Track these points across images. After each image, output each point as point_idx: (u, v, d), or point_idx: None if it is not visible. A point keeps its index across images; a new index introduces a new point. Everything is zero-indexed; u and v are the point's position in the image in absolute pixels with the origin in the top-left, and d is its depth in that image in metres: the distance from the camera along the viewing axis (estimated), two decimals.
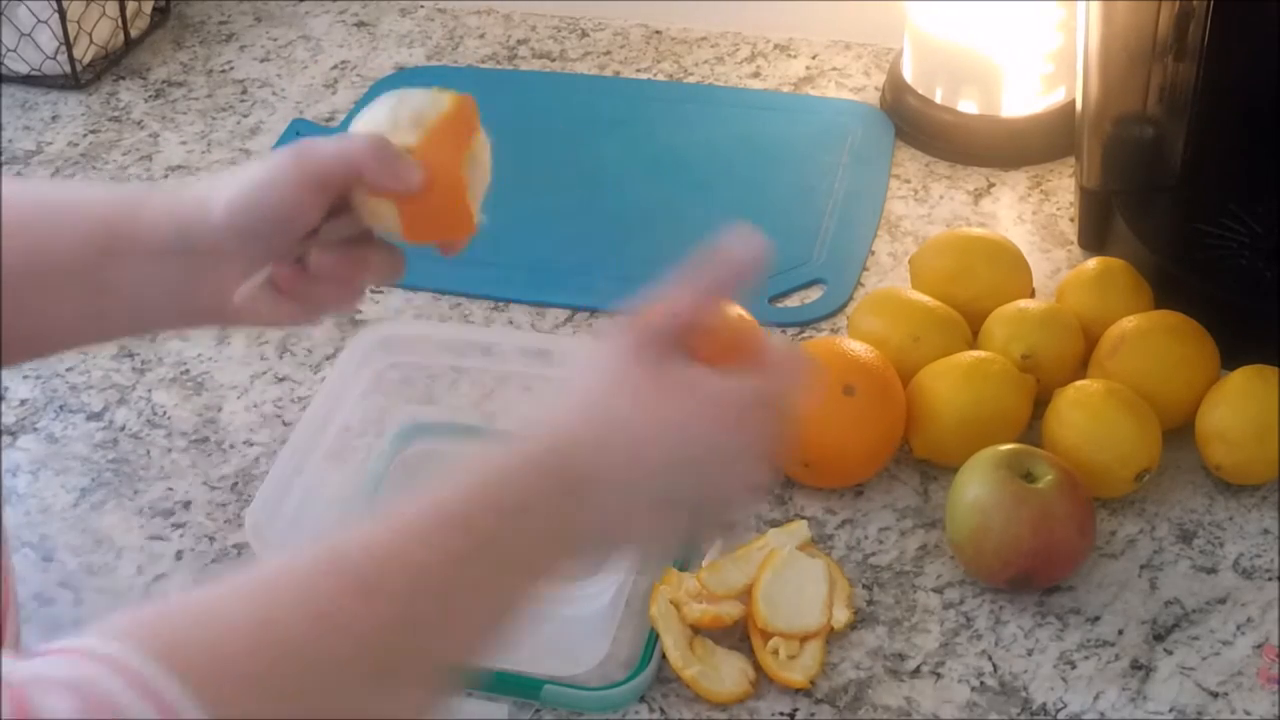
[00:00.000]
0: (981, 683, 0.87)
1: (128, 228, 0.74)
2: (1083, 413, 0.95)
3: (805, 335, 1.10)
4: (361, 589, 0.56)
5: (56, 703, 0.47)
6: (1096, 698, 0.86)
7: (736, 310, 1.01)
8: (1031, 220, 1.20)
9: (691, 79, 1.38)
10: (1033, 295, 1.08)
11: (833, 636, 0.88)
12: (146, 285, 0.75)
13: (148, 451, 1.03)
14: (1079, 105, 1.10)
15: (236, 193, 0.74)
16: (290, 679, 0.52)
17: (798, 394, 0.71)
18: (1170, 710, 0.85)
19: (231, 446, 1.03)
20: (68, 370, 1.10)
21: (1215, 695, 0.86)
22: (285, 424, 1.04)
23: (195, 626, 0.52)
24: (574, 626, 0.86)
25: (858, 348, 0.98)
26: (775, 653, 0.86)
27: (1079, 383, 0.98)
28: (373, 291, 1.14)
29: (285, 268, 0.75)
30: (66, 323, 0.76)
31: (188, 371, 1.09)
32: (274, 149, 0.79)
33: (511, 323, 1.13)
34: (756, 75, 1.38)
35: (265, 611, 0.53)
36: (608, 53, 1.42)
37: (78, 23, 1.36)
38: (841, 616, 0.89)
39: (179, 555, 0.96)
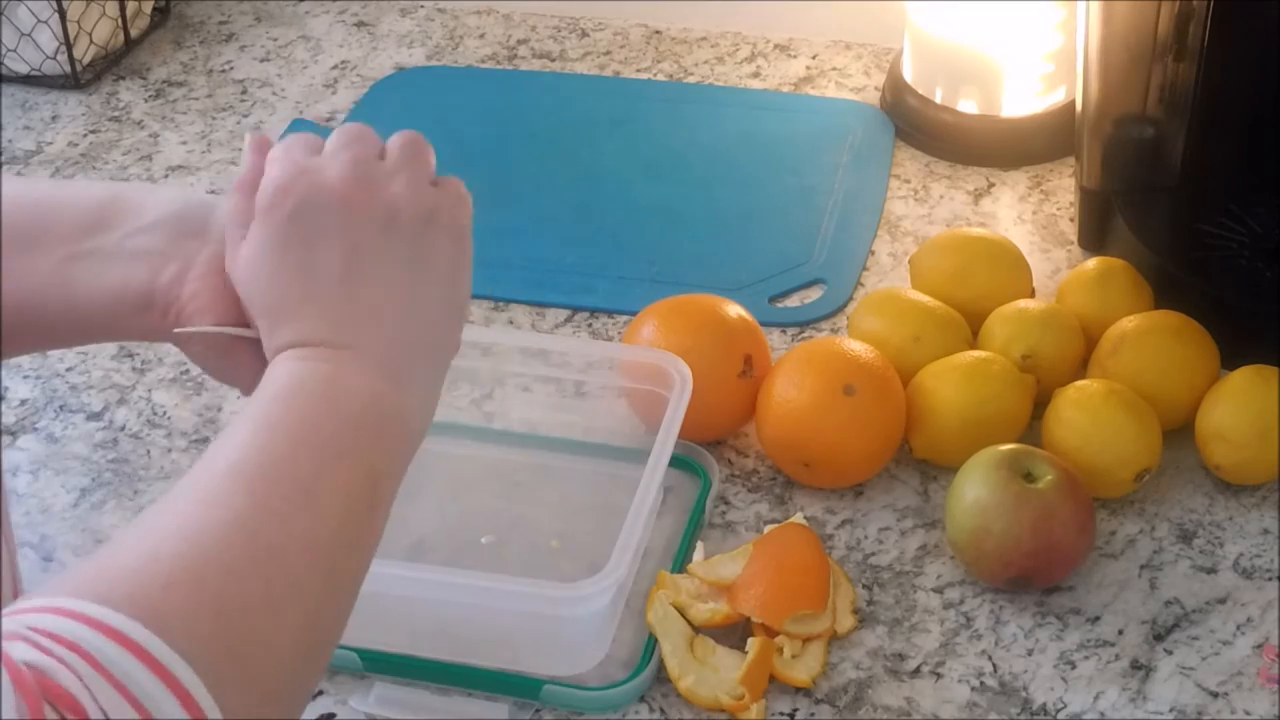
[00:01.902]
0: (981, 683, 0.87)
1: (135, 198, 0.74)
2: (1083, 413, 0.95)
3: (805, 335, 1.11)
4: (205, 498, 0.60)
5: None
6: (1096, 698, 0.86)
7: (736, 310, 1.01)
8: (1031, 220, 1.20)
9: (691, 79, 1.38)
10: (1033, 295, 1.08)
11: (833, 637, 0.88)
12: (119, 255, 0.73)
13: (148, 451, 1.03)
14: (1079, 105, 1.11)
15: None
16: (222, 578, 0.57)
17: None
18: (1170, 710, 0.85)
19: None
20: (68, 370, 1.10)
21: (1215, 695, 0.86)
22: None
23: (134, 573, 0.56)
24: (574, 626, 0.86)
25: (858, 348, 0.98)
26: (780, 651, 0.86)
27: (1079, 383, 0.98)
28: None
29: None
30: (27, 289, 0.73)
31: (188, 371, 1.09)
32: None
33: (511, 323, 1.13)
34: (756, 75, 1.38)
35: (190, 529, 0.58)
36: (608, 53, 1.42)
37: (78, 23, 1.36)
38: (846, 621, 0.89)
39: None
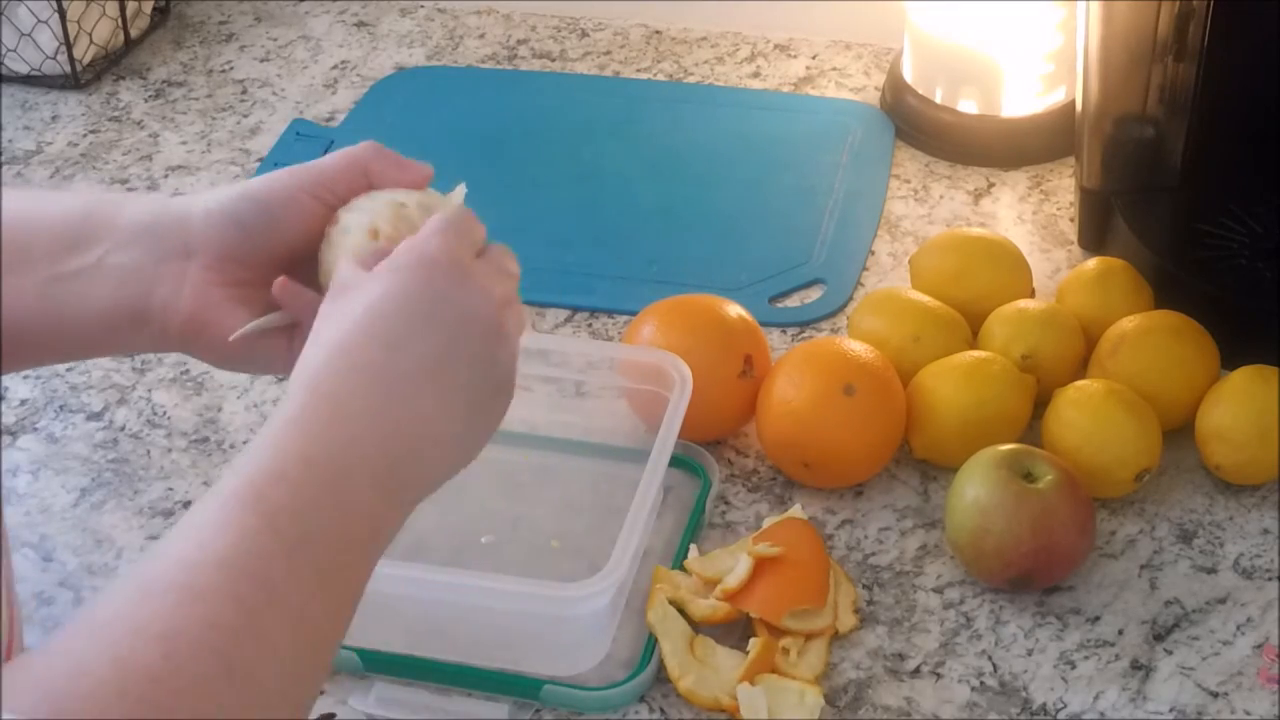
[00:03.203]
0: (981, 683, 0.87)
1: (106, 213, 0.74)
2: (1083, 413, 0.95)
3: (805, 335, 1.11)
4: (190, 595, 0.55)
5: None
6: (1096, 698, 0.86)
7: (736, 310, 1.01)
8: (1031, 220, 1.20)
9: (691, 79, 1.38)
10: (1033, 295, 1.08)
11: (835, 636, 0.88)
12: (102, 274, 0.72)
13: (148, 451, 1.03)
14: (1079, 105, 1.11)
15: (227, 190, 0.74)
16: (160, 707, 0.52)
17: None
18: (1170, 710, 0.85)
19: (231, 446, 1.03)
20: (68, 370, 1.10)
21: (1215, 695, 0.86)
22: None
23: (67, 680, 0.52)
24: (574, 626, 0.86)
25: (858, 348, 0.98)
26: (786, 652, 0.86)
27: (1079, 383, 0.98)
28: None
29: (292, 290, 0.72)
30: (13, 311, 0.73)
31: (188, 371, 1.09)
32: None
33: None
34: (756, 75, 1.38)
35: (116, 650, 0.53)
36: (608, 53, 1.42)
37: (78, 23, 1.36)
38: (848, 620, 0.89)
39: None
